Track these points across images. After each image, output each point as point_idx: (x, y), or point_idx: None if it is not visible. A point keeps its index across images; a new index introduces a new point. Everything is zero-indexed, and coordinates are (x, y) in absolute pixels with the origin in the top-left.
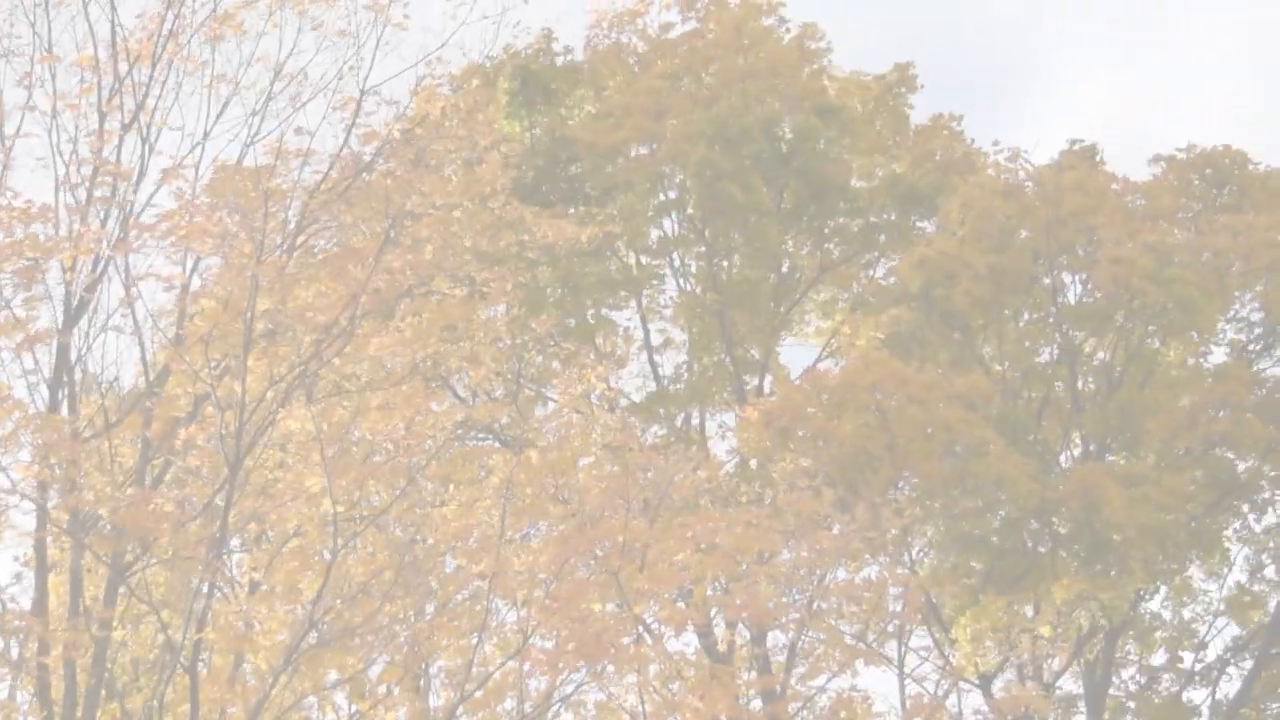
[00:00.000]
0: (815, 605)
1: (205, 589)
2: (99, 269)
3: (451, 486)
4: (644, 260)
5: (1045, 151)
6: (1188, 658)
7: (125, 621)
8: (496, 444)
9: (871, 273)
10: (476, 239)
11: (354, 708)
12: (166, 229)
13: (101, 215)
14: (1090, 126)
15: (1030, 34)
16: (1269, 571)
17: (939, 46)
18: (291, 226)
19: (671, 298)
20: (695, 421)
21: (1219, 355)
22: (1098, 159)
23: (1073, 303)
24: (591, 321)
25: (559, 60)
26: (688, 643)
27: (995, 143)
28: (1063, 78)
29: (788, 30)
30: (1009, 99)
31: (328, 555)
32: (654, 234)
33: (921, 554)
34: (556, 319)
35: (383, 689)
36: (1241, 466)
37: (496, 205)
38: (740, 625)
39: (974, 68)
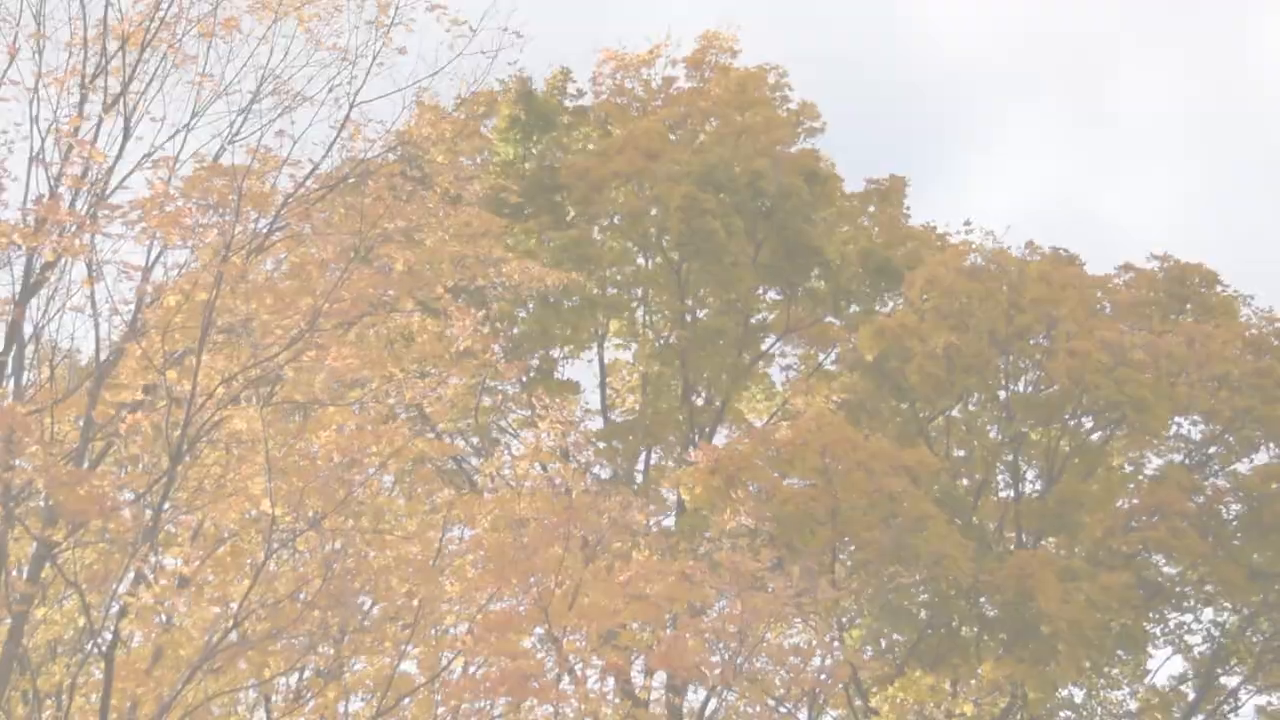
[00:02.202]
0: (740, 663)
1: (130, 575)
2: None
3: (404, 502)
4: (610, 292)
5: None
6: None
7: (48, 600)
8: (456, 467)
9: (844, 342)
10: (451, 273)
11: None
12: (137, 215)
13: (71, 194)
14: (1034, 196)
15: (971, 107)
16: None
17: (882, 111)
18: (263, 229)
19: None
20: (645, 465)
21: (1155, 463)
22: (1078, 264)
23: (1023, 389)
24: (562, 353)
25: (570, 101)
26: (607, 685)
27: (967, 222)
28: (1008, 149)
29: (788, 105)
30: (952, 167)
31: (260, 557)
32: (629, 269)
33: (850, 621)
34: (524, 365)
35: (297, 696)
36: (1170, 572)
37: (476, 247)
38: (662, 674)
39: (919, 133)
